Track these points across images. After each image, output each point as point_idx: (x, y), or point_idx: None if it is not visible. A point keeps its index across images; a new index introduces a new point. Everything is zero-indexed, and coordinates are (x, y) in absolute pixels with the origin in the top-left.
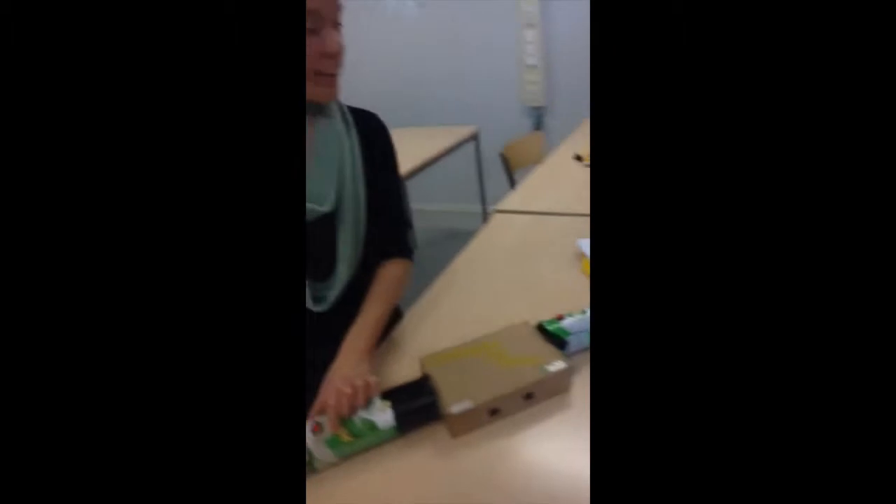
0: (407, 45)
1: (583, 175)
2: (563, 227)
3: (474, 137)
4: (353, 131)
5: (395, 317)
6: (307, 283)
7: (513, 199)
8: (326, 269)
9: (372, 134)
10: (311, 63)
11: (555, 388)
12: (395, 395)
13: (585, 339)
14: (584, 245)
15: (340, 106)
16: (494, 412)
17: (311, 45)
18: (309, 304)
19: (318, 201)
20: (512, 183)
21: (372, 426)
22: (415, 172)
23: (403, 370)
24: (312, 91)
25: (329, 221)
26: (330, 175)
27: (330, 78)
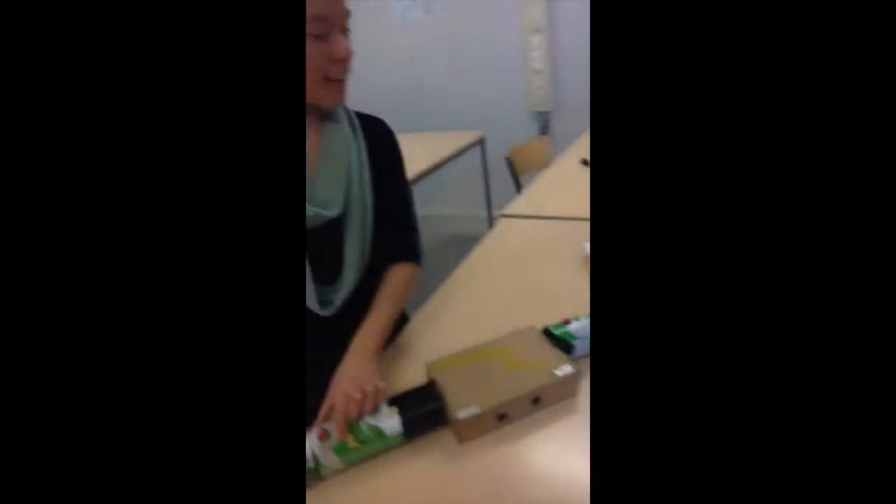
0: (414, 50)
1: (589, 179)
2: (570, 232)
3: (480, 142)
4: (360, 136)
5: (401, 321)
6: (314, 287)
7: (519, 204)
8: (333, 274)
9: (379, 139)
10: (319, 68)
11: (562, 393)
12: (401, 402)
13: None
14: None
15: (347, 111)
16: (502, 417)
17: (320, 50)
18: (315, 308)
19: (325, 206)
20: (518, 187)
21: (379, 433)
22: (421, 177)
23: (410, 375)
24: (321, 96)
25: (336, 226)
26: (337, 180)
27: (338, 83)
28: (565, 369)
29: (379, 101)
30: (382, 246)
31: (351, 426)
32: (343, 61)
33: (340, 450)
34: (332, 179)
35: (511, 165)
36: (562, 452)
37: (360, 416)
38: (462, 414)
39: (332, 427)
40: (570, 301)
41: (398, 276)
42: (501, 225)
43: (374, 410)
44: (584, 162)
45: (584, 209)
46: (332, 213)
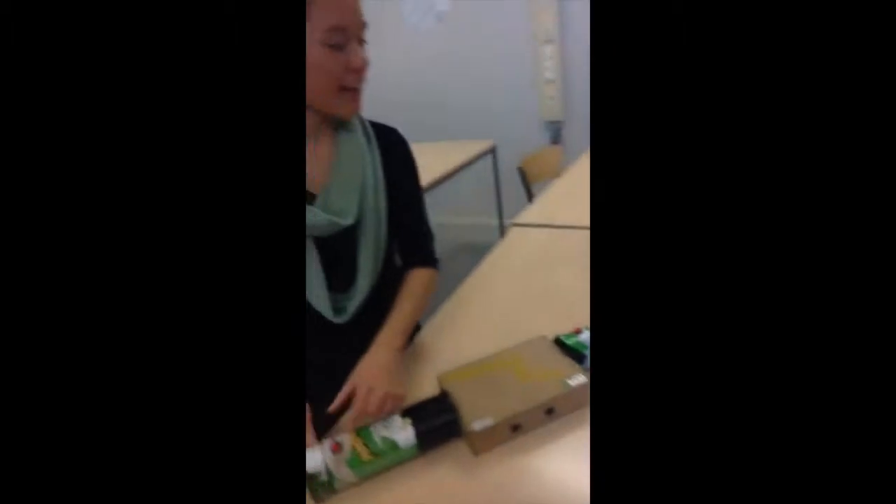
0: (426, 60)
1: None
2: (581, 241)
3: (492, 151)
4: (375, 145)
5: (413, 329)
6: (328, 294)
7: (530, 213)
8: (347, 281)
9: (392, 148)
10: (336, 78)
11: (576, 403)
12: (415, 413)
13: None
14: None
15: (362, 120)
16: (516, 428)
17: (337, 60)
18: (329, 315)
19: (339, 215)
20: (529, 196)
21: (393, 445)
22: (433, 186)
23: (422, 385)
24: (336, 105)
25: (350, 234)
26: (352, 189)
27: (353, 93)
28: (578, 379)
29: (391, 110)
30: (399, 253)
31: (365, 439)
32: (359, 71)
33: (354, 463)
34: (347, 188)
35: (523, 175)
36: (576, 462)
37: (379, 411)
38: (477, 425)
39: (346, 439)
40: (581, 310)
41: (417, 278)
42: (513, 234)
43: (388, 421)
44: None
45: None
46: (347, 221)
